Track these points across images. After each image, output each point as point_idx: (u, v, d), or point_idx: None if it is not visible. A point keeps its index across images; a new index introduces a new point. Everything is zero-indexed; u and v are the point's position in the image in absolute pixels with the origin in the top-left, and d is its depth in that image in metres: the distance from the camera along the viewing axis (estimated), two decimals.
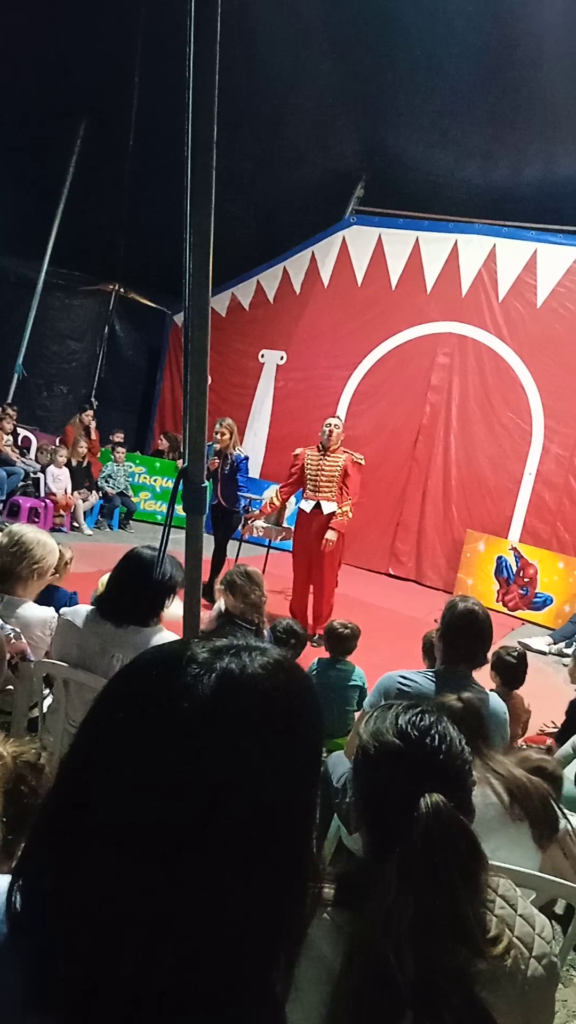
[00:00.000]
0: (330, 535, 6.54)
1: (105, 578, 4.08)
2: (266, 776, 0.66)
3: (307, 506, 6.82)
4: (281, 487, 7.08)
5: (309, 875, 0.73)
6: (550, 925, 1.25)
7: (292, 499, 7.51)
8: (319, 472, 6.74)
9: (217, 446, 7.36)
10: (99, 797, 0.65)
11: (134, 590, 2.81)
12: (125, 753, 0.65)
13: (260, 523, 7.74)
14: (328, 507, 6.64)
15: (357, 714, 3.98)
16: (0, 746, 1.57)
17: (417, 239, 10.64)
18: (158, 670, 0.69)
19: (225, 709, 0.66)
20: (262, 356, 11.85)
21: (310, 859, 0.73)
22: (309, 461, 6.81)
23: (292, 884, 0.69)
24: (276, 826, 0.66)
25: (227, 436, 7.40)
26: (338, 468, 6.66)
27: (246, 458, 7.73)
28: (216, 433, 7.36)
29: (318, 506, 6.69)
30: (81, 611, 2.93)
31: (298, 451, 7.04)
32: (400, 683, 2.88)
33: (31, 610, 3.07)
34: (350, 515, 6.62)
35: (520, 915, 1.22)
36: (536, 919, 1.23)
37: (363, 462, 6.87)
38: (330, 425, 6.79)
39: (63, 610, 3.02)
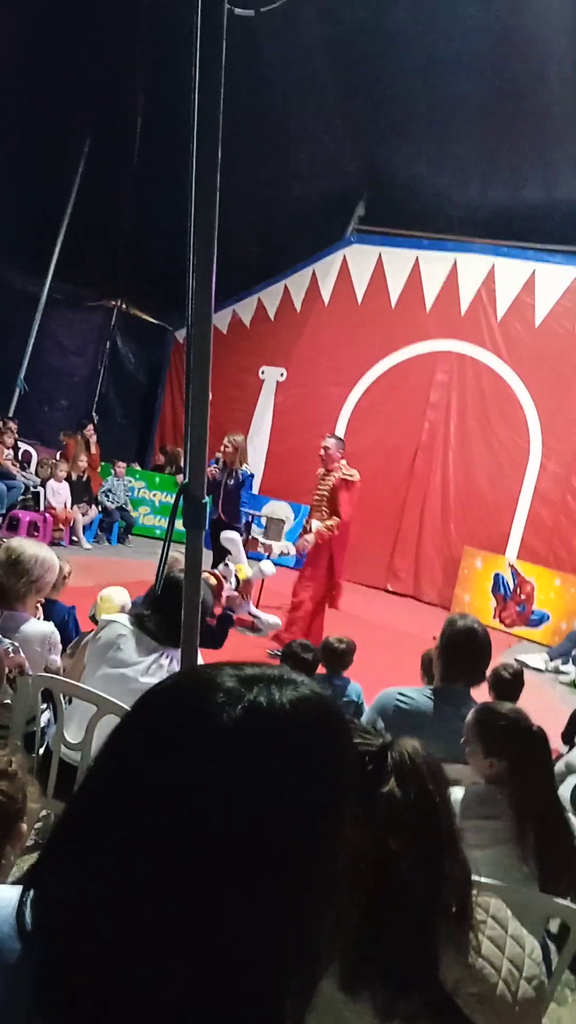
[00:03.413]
0: (308, 538, 6.56)
1: (106, 592, 4.09)
2: (284, 808, 0.64)
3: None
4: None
5: (328, 899, 0.71)
6: (539, 947, 1.25)
7: (292, 515, 7.54)
8: (317, 491, 6.78)
9: (220, 458, 7.39)
10: (116, 813, 0.65)
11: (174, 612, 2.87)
12: (144, 773, 0.65)
13: (260, 538, 7.75)
14: (303, 543, 6.72)
15: None
16: None
17: (417, 258, 10.72)
18: (186, 694, 0.69)
19: (248, 742, 0.64)
20: (262, 372, 11.90)
21: (330, 885, 0.71)
22: (319, 481, 6.85)
23: (309, 906, 0.68)
24: (290, 852, 0.65)
25: (231, 450, 7.43)
26: (328, 487, 6.67)
27: (251, 475, 7.76)
28: (222, 446, 7.39)
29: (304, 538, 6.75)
30: (123, 620, 2.97)
31: (319, 470, 7.08)
32: (398, 700, 2.88)
33: (31, 625, 3.07)
34: (333, 531, 6.59)
35: (511, 936, 1.21)
36: (526, 940, 1.23)
37: (354, 478, 6.80)
38: (321, 447, 6.81)
39: (105, 616, 3.06)
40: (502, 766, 2.19)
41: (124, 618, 3.01)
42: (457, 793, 2.24)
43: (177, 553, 2.55)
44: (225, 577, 5.60)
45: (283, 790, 0.65)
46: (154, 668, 2.85)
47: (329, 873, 0.70)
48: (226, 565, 6.10)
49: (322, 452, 6.77)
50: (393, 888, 1.12)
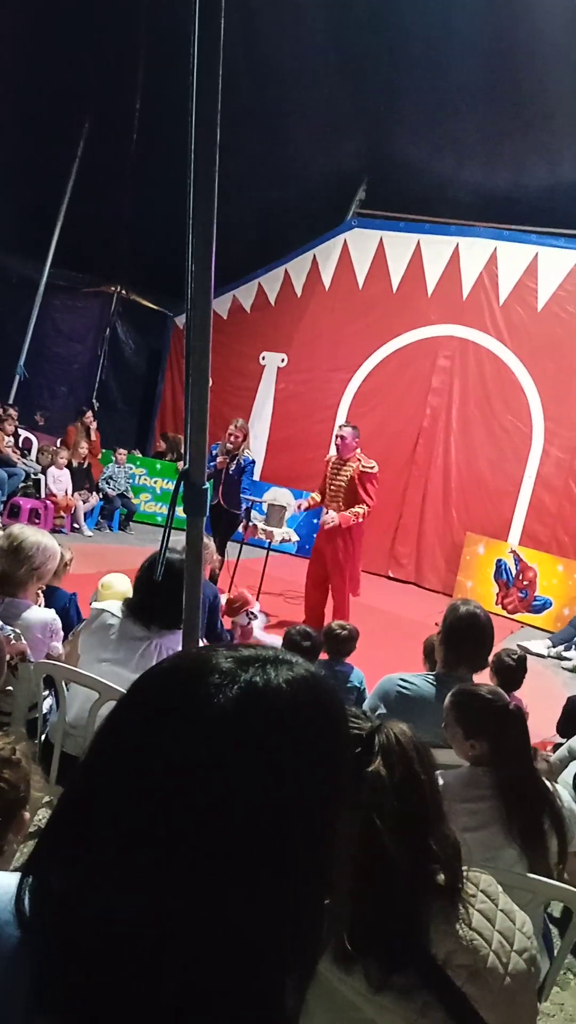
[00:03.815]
0: (330, 515, 6.54)
1: (107, 579, 4.09)
2: (282, 791, 0.64)
3: (322, 513, 6.83)
4: (320, 486, 7.05)
5: (326, 891, 0.71)
6: (531, 922, 1.25)
7: (295, 501, 7.53)
8: (332, 481, 6.74)
9: (229, 446, 7.38)
10: (113, 799, 0.64)
11: (165, 594, 2.84)
12: (141, 757, 0.65)
13: (261, 524, 7.74)
14: (330, 520, 6.63)
15: None
16: None
17: (418, 242, 10.65)
18: (181, 677, 0.68)
19: (246, 722, 0.64)
20: (263, 358, 11.86)
21: (328, 876, 0.71)
22: (330, 469, 6.82)
23: (308, 898, 0.68)
24: (289, 841, 0.65)
25: (240, 437, 7.43)
26: (347, 479, 6.65)
27: (252, 462, 7.74)
28: (230, 435, 7.38)
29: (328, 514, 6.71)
30: (113, 605, 2.95)
31: (327, 457, 7.06)
32: (400, 686, 2.88)
33: (32, 612, 3.07)
34: (360, 517, 6.60)
35: (501, 910, 1.22)
36: (517, 915, 1.24)
37: (374, 470, 6.81)
38: (337, 435, 6.78)
39: (96, 604, 3.05)
40: (483, 747, 2.19)
41: (115, 605, 2.99)
42: (446, 777, 2.25)
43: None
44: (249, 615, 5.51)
45: (281, 769, 0.64)
46: (142, 664, 2.82)
47: (328, 853, 0.70)
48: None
49: (337, 440, 6.74)
50: (380, 864, 1.15)
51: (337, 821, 0.70)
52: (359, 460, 6.71)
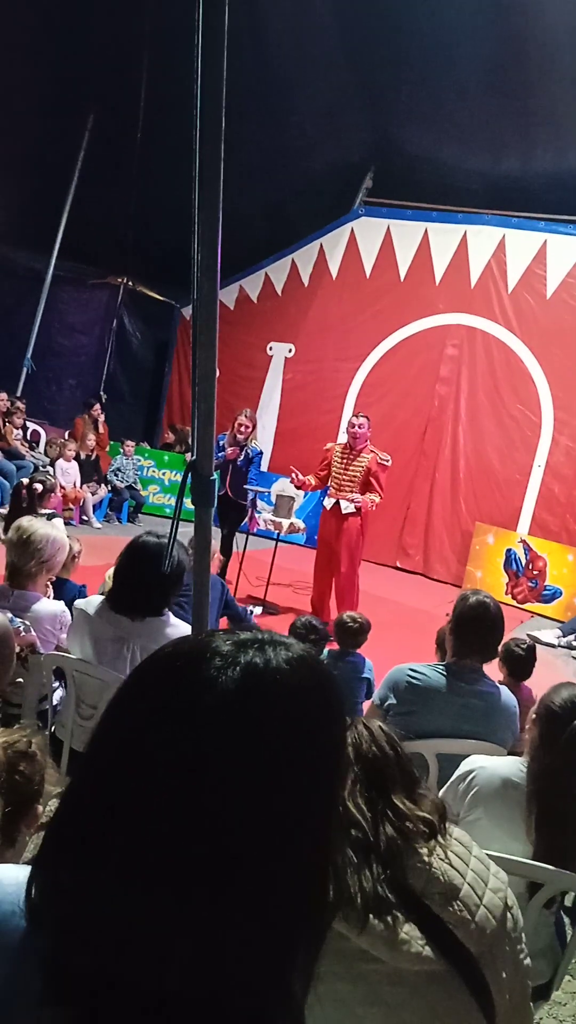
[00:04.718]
0: (355, 497, 6.55)
1: (112, 572, 4.09)
2: (289, 770, 0.65)
3: (328, 503, 6.83)
4: (318, 470, 7.04)
5: (331, 871, 0.72)
6: (504, 873, 1.28)
7: (302, 493, 7.51)
8: (343, 471, 6.73)
9: (239, 437, 7.37)
10: (118, 788, 0.65)
11: (144, 582, 2.81)
12: (145, 744, 0.65)
13: (269, 515, 7.74)
14: (346, 507, 6.63)
15: (365, 705, 3.98)
16: None
17: (426, 230, 10.59)
18: (182, 661, 0.69)
19: (248, 702, 0.65)
20: (270, 349, 11.84)
21: (333, 854, 0.72)
22: (336, 458, 6.80)
23: (314, 880, 0.69)
24: (298, 819, 0.66)
25: (250, 427, 7.44)
26: (361, 470, 6.64)
27: (260, 452, 7.74)
28: (240, 425, 7.37)
29: (337, 504, 6.69)
30: (93, 602, 2.94)
31: (329, 445, 7.06)
32: (410, 676, 2.88)
33: (42, 604, 3.08)
34: (375, 505, 6.62)
35: (475, 856, 1.26)
36: (491, 864, 1.27)
37: (389, 463, 6.83)
38: (353, 426, 6.77)
39: (77, 602, 3.03)
40: (535, 734, 2.19)
41: (94, 600, 2.98)
42: (471, 764, 2.24)
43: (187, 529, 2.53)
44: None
45: (287, 748, 0.65)
46: (120, 664, 2.80)
47: (332, 828, 0.71)
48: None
49: (353, 431, 6.74)
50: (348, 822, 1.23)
51: (340, 794, 0.70)
52: (374, 452, 6.73)
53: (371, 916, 1.13)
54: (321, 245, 11.42)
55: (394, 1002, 1.13)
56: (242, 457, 7.39)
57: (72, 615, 3.02)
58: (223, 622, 4.67)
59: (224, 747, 0.63)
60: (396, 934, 1.13)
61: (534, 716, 2.24)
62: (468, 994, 1.13)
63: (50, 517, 4.75)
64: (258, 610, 6.89)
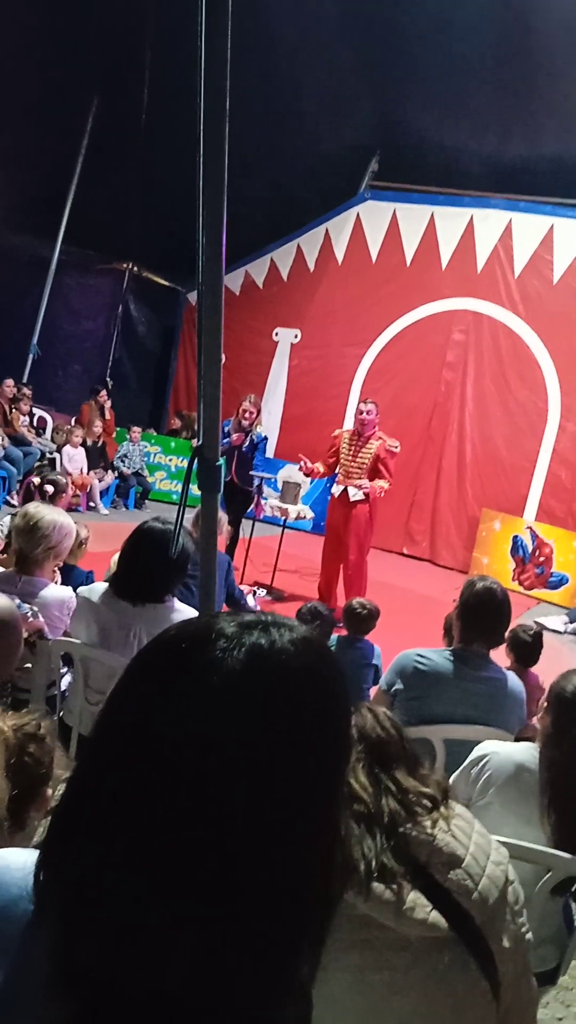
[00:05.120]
0: (363, 483, 6.54)
1: (117, 557, 4.10)
2: (295, 750, 0.65)
3: (337, 490, 6.81)
4: (326, 457, 7.02)
5: (338, 854, 0.72)
6: (506, 850, 1.30)
7: (308, 480, 7.50)
8: (352, 458, 6.71)
9: (244, 423, 7.36)
10: (122, 773, 0.65)
11: (149, 568, 2.81)
12: (151, 727, 0.65)
13: (276, 502, 7.73)
14: (355, 494, 6.62)
15: (372, 691, 3.99)
16: (0, 721, 1.60)
17: (432, 214, 10.52)
18: (187, 644, 0.69)
19: (254, 683, 0.65)
20: (276, 334, 11.79)
21: (339, 837, 0.72)
22: (344, 445, 6.78)
23: (320, 864, 0.68)
24: (304, 801, 0.66)
25: (255, 412, 7.42)
26: (369, 456, 6.63)
27: (265, 438, 7.72)
28: (245, 411, 7.35)
29: (345, 491, 6.68)
30: (97, 589, 2.94)
31: (337, 432, 7.03)
32: (417, 661, 2.88)
33: (49, 590, 3.09)
34: (383, 492, 6.62)
35: (476, 831, 1.27)
36: (492, 838, 1.29)
37: (397, 449, 6.82)
38: (362, 412, 6.74)
39: (80, 589, 3.04)
40: (547, 721, 2.20)
41: (97, 587, 2.98)
42: (484, 749, 2.25)
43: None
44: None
45: (294, 727, 0.66)
46: (125, 651, 2.80)
47: (340, 805, 0.72)
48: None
49: (361, 417, 6.71)
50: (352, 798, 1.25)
51: (345, 774, 0.73)
52: (382, 438, 6.71)
53: (375, 883, 1.15)
54: (327, 230, 11.36)
55: (401, 967, 1.14)
56: (247, 443, 7.38)
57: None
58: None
59: (230, 728, 0.63)
60: (402, 901, 1.14)
61: (545, 704, 2.24)
62: (473, 961, 1.15)
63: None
64: (262, 592, 6.90)
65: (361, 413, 6.76)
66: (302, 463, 6.96)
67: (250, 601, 5.58)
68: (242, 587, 5.69)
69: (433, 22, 8.68)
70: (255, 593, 6.47)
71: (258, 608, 5.67)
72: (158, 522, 2.92)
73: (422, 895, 1.15)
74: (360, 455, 6.67)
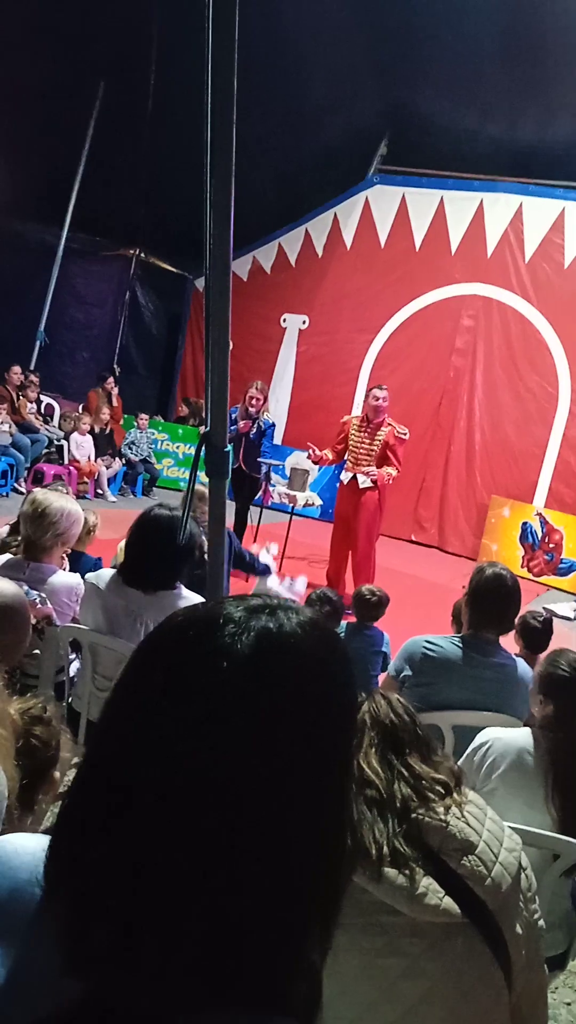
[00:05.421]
0: (371, 471, 6.52)
1: (124, 544, 4.11)
2: (306, 732, 0.65)
3: (346, 477, 6.78)
4: (335, 444, 6.97)
5: (347, 837, 0.72)
6: (519, 836, 1.30)
7: (317, 468, 7.48)
8: (360, 444, 6.69)
9: (251, 410, 7.34)
10: (132, 759, 0.64)
11: (157, 554, 2.81)
12: (161, 714, 0.65)
13: (283, 489, 7.72)
14: (364, 481, 6.59)
15: (381, 678, 3.99)
16: (7, 705, 1.61)
17: (442, 198, 10.42)
18: (195, 630, 0.69)
19: (264, 667, 0.66)
20: (284, 320, 11.74)
21: (349, 820, 0.72)
22: (353, 431, 6.75)
23: (330, 845, 0.69)
24: (315, 784, 0.66)
25: (262, 399, 7.40)
26: (379, 443, 6.60)
27: (273, 425, 7.70)
28: (251, 398, 7.33)
29: (355, 479, 6.66)
30: (104, 575, 2.95)
31: (345, 419, 6.99)
32: (426, 648, 2.88)
33: (58, 576, 3.10)
34: (391, 479, 6.60)
35: (489, 818, 1.28)
36: (505, 825, 1.30)
37: (407, 436, 6.79)
38: (377, 399, 6.70)
39: (88, 576, 3.04)
40: (548, 709, 2.20)
41: (104, 573, 2.98)
42: (486, 735, 2.25)
43: (200, 486, 2.52)
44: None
45: (303, 711, 0.66)
46: (133, 638, 2.81)
47: (350, 788, 0.72)
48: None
49: (374, 403, 6.67)
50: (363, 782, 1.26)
51: (353, 754, 0.71)
52: (392, 425, 6.68)
53: (388, 868, 1.15)
54: (335, 214, 11.27)
55: (414, 953, 1.15)
56: (254, 430, 7.37)
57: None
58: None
59: (240, 712, 0.63)
60: (415, 886, 1.15)
61: (540, 693, 2.24)
62: (486, 947, 1.15)
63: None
64: (274, 549, 6.71)
65: (377, 400, 6.71)
66: (310, 451, 6.94)
67: (265, 558, 5.47)
68: (252, 548, 5.63)
69: (442, 5, 8.58)
70: (268, 549, 6.35)
71: (274, 563, 5.62)
72: (163, 509, 2.92)
73: (435, 881, 1.16)
74: (372, 442, 6.64)
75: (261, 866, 0.62)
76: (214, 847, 0.61)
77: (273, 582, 5.44)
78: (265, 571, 5.12)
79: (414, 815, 1.22)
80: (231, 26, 1.62)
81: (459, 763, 2.27)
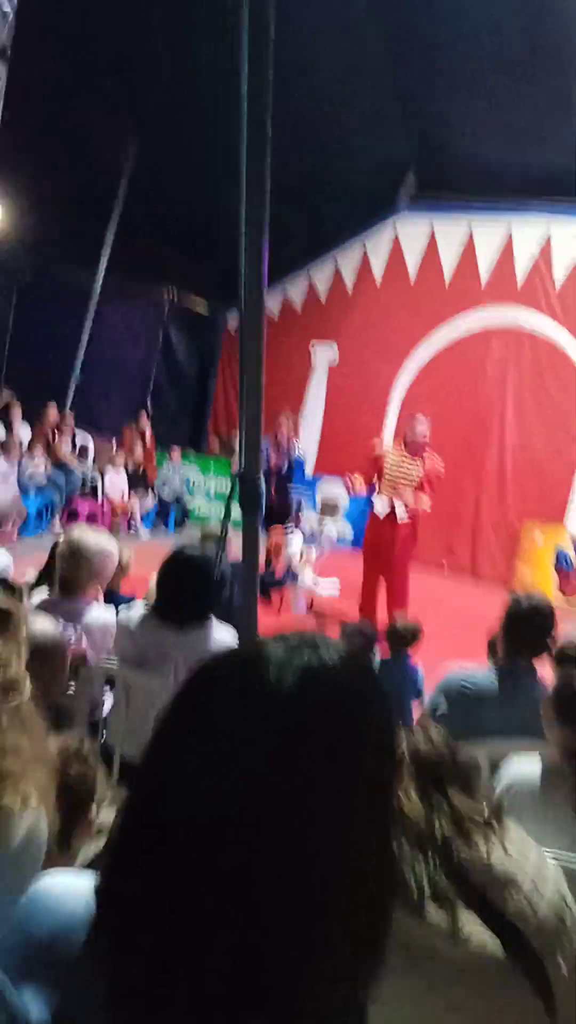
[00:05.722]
0: (424, 501, 6.49)
1: (155, 578, 4.13)
2: (352, 768, 0.66)
3: (381, 506, 6.61)
4: (367, 469, 6.80)
5: (393, 871, 0.72)
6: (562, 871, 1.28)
7: (348, 496, 7.44)
8: (398, 470, 6.62)
9: (281, 440, 7.35)
10: (171, 798, 0.65)
11: (191, 593, 2.84)
12: (208, 755, 0.65)
13: (316, 520, 7.73)
14: (401, 516, 6.51)
15: (415, 708, 3.95)
16: (47, 745, 1.63)
17: (470, 224, 10.49)
18: (240, 671, 0.70)
19: (310, 704, 0.66)
20: (314, 352, 11.83)
21: (392, 854, 0.72)
22: (391, 459, 6.66)
23: (378, 880, 0.69)
24: (362, 820, 0.66)
25: (291, 432, 7.42)
26: (419, 472, 6.54)
27: (303, 461, 7.71)
28: (280, 427, 7.34)
29: (392, 512, 6.56)
30: (136, 613, 2.97)
31: (380, 450, 6.83)
32: (463, 685, 2.85)
33: (93, 613, 3.11)
34: (427, 508, 6.56)
35: (533, 852, 1.26)
36: (548, 861, 1.27)
37: (442, 468, 6.77)
38: (425, 436, 6.63)
39: (120, 616, 3.07)
40: (568, 732, 2.15)
41: (135, 612, 3.00)
42: (507, 775, 2.22)
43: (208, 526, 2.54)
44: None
45: (351, 742, 0.67)
46: (165, 674, 2.82)
47: (391, 820, 0.74)
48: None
49: (418, 436, 6.61)
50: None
51: (394, 787, 0.73)
52: (434, 459, 6.65)
53: (429, 906, 1.13)
54: (364, 246, 11.38)
55: (457, 995, 1.13)
56: (285, 466, 7.39)
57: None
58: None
59: (289, 750, 0.64)
60: (456, 926, 1.13)
61: (556, 713, 2.20)
62: (530, 989, 1.12)
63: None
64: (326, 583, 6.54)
65: (424, 436, 6.63)
66: (348, 480, 6.82)
67: (316, 580, 5.37)
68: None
69: (468, 31, 8.64)
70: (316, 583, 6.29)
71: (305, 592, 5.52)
72: (193, 549, 2.96)
73: (477, 918, 1.14)
74: (411, 472, 6.59)
75: (311, 905, 0.62)
76: (262, 885, 0.61)
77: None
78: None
79: (455, 850, 1.20)
80: (266, 73, 1.66)
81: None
